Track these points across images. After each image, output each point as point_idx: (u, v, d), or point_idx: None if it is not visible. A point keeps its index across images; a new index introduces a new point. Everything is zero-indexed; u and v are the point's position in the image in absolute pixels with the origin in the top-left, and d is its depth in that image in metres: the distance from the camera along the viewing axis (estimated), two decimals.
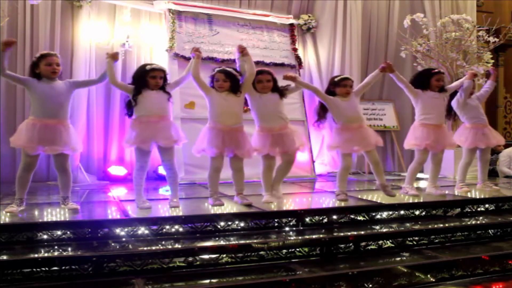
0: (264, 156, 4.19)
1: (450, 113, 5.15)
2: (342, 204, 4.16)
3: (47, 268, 2.84)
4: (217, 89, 4.00)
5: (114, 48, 6.20)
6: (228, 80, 3.99)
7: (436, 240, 3.78)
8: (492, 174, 6.63)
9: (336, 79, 4.36)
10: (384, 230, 3.76)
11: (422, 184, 5.71)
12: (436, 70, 4.74)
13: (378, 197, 4.45)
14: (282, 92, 4.21)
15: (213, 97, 4.00)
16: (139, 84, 3.84)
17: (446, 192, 4.80)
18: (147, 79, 3.83)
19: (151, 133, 3.77)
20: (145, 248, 3.11)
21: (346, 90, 4.28)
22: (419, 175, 5.96)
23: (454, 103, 5.06)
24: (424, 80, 4.62)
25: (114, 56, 3.93)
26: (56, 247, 3.11)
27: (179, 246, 3.20)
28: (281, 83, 4.29)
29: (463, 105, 5.00)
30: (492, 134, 5.08)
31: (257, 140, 4.16)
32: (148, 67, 3.86)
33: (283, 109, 4.24)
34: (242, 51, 4.06)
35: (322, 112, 4.38)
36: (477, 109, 5.07)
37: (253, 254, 3.25)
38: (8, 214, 3.52)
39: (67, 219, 3.45)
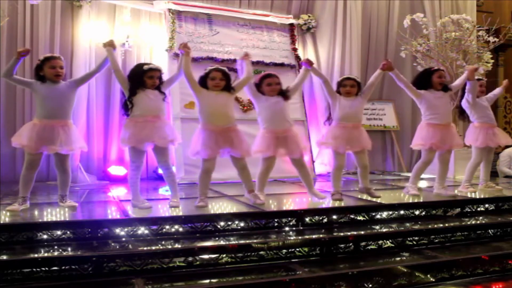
0: (265, 157, 4.21)
1: (463, 114, 5.18)
2: (342, 204, 4.16)
3: (47, 268, 2.83)
4: (211, 87, 3.99)
5: None
6: (224, 79, 4.01)
7: (436, 240, 3.78)
8: (492, 174, 6.63)
9: (339, 79, 4.48)
10: (384, 230, 3.76)
11: (422, 184, 5.71)
12: (436, 68, 4.75)
13: (378, 197, 4.44)
14: (286, 95, 4.26)
15: (204, 97, 3.98)
16: (135, 84, 3.82)
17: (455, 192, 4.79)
18: (144, 79, 3.82)
19: (147, 133, 3.75)
20: (145, 248, 3.11)
21: (346, 90, 4.34)
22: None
23: (464, 103, 5.10)
24: (425, 79, 4.61)
25: (111, 44, 3.95)
26: (56, 247, 3.11)
27: (179, 246, 3.20)
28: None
29: (473, 105, 5.02)
30: (501, 134, 5.15)
31: (262, 141, 4.17)
32: (145, 67, 3.84)
33: (289, 112, 4.31)
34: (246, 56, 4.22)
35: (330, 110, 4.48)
36: (487, 109, 5.10)
37: (253, 254, 3.24)
38: (8, 214, 3.52)
39: (67, 219, 3.45)
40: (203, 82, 4.02)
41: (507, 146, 6.87)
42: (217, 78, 3.98)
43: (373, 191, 4.48)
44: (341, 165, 4.42)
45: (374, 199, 4.33)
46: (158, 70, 3.88)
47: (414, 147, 4.77)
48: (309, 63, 4.34)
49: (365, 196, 4.46)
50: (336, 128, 4.34)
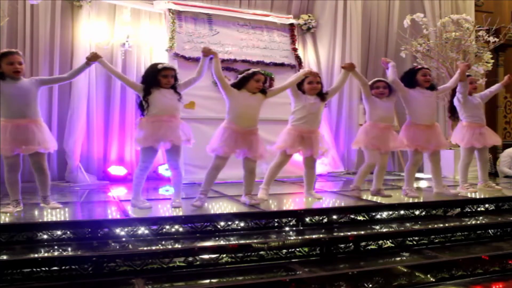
0: (282, 153, 4.26)
1: (454, 114, 5.16)
2: (342, 203, 4.16)
3: (47, 268, 2.84)
4: (252, 89, 4.02)
5: (114, 48, 6.21)
6: (264, 83, 4.09)
7: (436, 240, 3.78)
8: (491, 174, 6.63)
9: (371, 82, 4.54)
10: (384, 230, 3.76)
11: (422, 184, 5.71)
12: (419, 66, 4.78)
13: (378, 197, 4.45)
14: (324, 96, 4.35)
15: (235, 98, 4.00)
16: (150, 83, 3.82)
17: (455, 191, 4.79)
18: (158, 78, 3.82)
19: (164, 132, 3.75)
20: (145, 248, 3.11)
21: (379, 91, 4.46)
22: (418, 175, 5.96)
23: (455, 102, 5.07)
24: (410, 78, 4.61)
25: (94, 57, 3.89)
26: (56, 247, 3.11)
27: (179, 246, 3.20)
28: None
29: (464, 103, 4.99)
30: (488, 134, 5.06)
31: (287, 137, 4.22)
32: (160, 66, 3.84)
33: (321, 114, 4.40)
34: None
35: None
36: (478, 109, 5.05)
37: (253, 254, 3.25)
38: (8, 214, 3.52)
39: (67, 219, 3.45)
40: (244, 82, 4.02)
41: (507, 146, 6.88)
42: (261, 81, 4.05)
43: (383, 192, 4.52)
44: (373, 165, 4.47)
45: (375, 199, 4.34)
46: (172, 69, 3.88)
47: (398, 149, 4.78)
48: (351, 67, 4.38)
49: (369, 196, 4.46)
50: (370, 127, 4.45)
